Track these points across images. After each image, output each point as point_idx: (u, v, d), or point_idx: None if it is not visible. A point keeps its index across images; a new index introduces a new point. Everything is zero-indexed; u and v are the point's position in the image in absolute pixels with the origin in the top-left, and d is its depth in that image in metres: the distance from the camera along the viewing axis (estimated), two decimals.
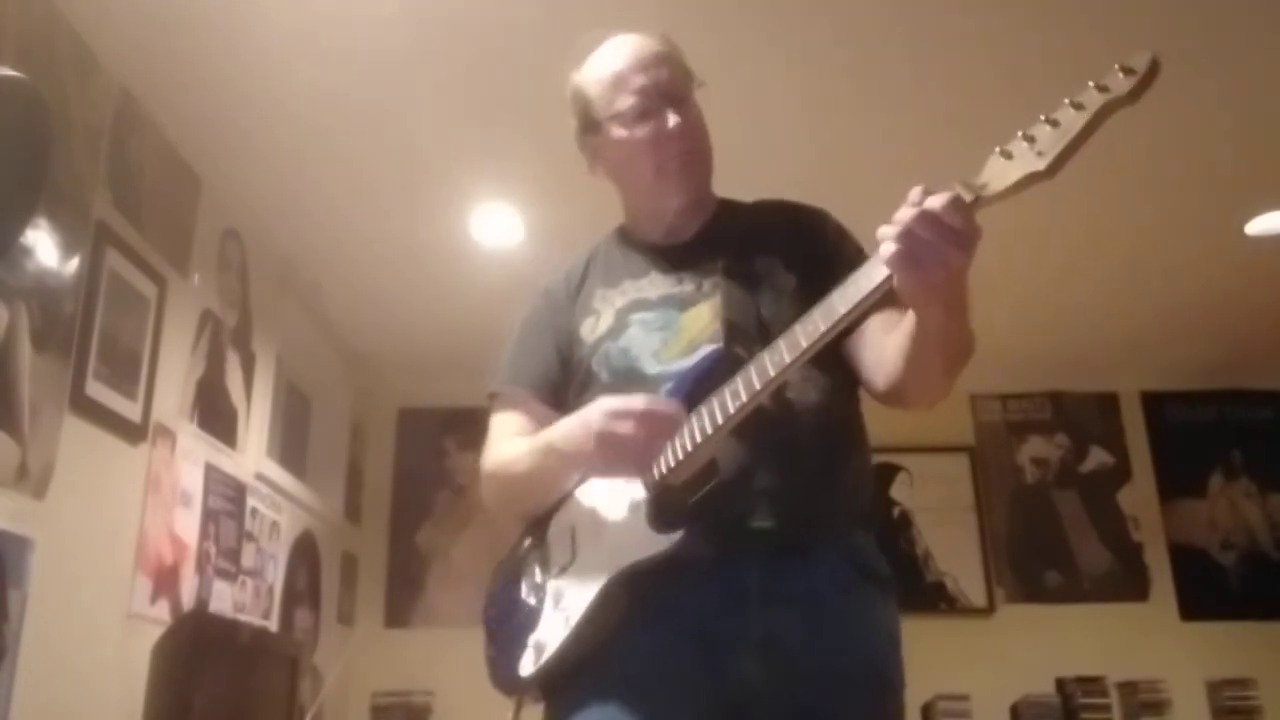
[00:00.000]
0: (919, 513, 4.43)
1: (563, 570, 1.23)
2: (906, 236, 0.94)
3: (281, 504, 3.39)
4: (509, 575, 1.33)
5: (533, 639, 1.22)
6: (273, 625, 3.24)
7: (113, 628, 2.29)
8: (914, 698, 4.34)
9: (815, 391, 1.21)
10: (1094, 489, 4.48)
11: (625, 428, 1.12)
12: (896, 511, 4.44)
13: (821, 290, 1.05)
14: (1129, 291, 3.73)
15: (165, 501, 2.54)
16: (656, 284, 1.33)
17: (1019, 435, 4.57)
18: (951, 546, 4.36)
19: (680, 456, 1.12)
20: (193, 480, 2.72)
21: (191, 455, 2.71)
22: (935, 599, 4.31)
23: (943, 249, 0.94)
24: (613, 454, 1.13)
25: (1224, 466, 4.50)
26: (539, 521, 1.32)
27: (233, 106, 2.57)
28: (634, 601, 1.15)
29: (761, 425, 1.14)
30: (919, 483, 4.46)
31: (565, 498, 1.28)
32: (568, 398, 1.33)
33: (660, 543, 1.11)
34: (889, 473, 4.49)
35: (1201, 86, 2.55)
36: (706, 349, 1.20)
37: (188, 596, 2.64)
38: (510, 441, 1.35)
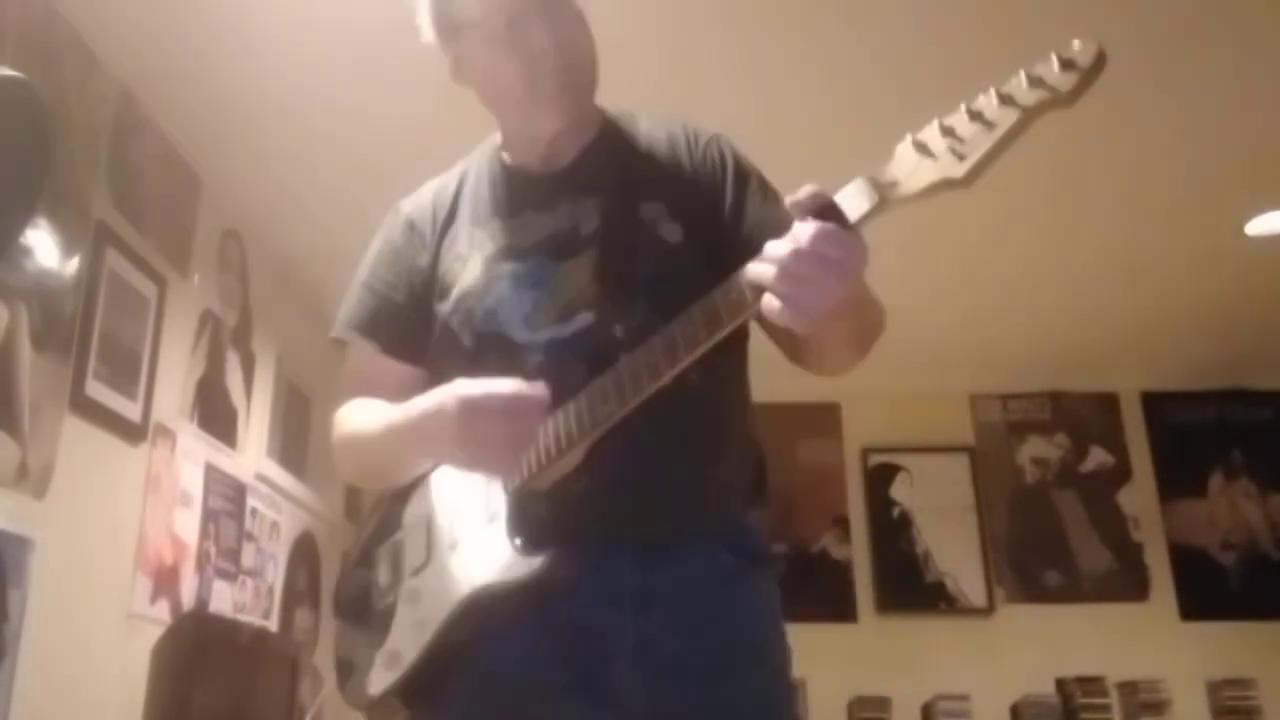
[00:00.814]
0: (919, 513, 4.43)
1: (417, 572, 1.12)
2: (783, 280, 0.87)
3: (281, 504, 3.39)
4: (362, 563, 1.21)
5: (383, 651, 1.11)
6: (273, 625, 3.24)
7: (113, 628, 2.29)
8: (914, 698, 4.35)
9: (696, 373, 1.04)
10: (1094, 489, 4.48)
11: (488, 424, 0.99)
12: (896, 511, 4.44)
13: (708, 244, 0.97)
14: (1129, 292, 3.72)
15: (165, 501, 2.54)
16: (529, 226, 1.17)
17: (1019, 435, 4.57)
18: (951, 546, 4.36)
19: (544, 462, 1.04)
20: (193, 480, 2.72)
21: (191, 455, 2.71)
22: (935, 599, 4.31)
23: (824, 284, 0.86)
24: (477, 452, 1.01)
25: (1224, 466, 4.50)
26: (394, 500, 1.20)
27: (233, 106, 2.57)
28: (497, 616, 1.04)
29: (633, 417, 1.02)
30: (919, 483, 4.46)
31: (421, 482, 1.17)
32: (425, 348, 1.20)
33: (521, 566, 1.01)
34: (889, 473, 4.49)
35: (1201, 86, 2.55)
36: (580, 318, 1.09)
37: (188, 596, 2.64)
38: (363, 408, 1.20)
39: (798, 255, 0.86)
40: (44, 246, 2.07)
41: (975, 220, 3.00)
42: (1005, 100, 0.78)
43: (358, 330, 1.24)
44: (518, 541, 1.03)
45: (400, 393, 1.15)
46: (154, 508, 2.47)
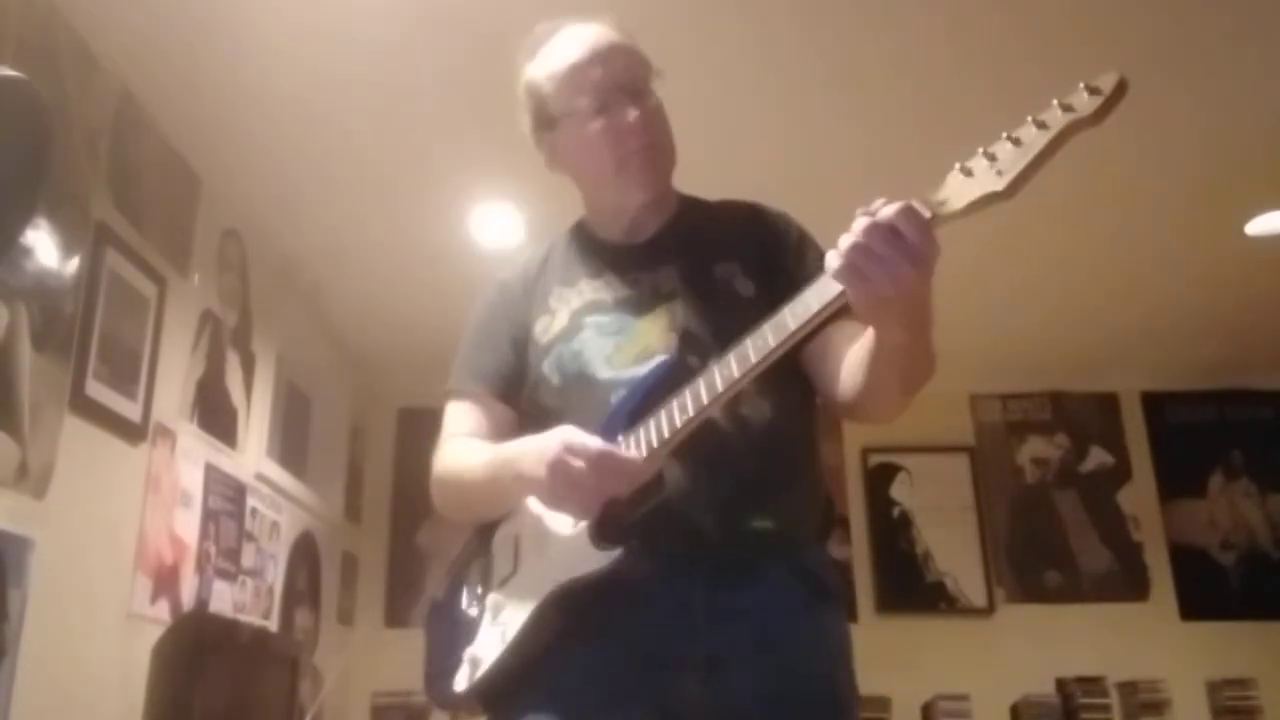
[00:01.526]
0: (919, 513, 4.43)
1: (504, 582, 1.21)
2: (855, 249, 0.92)
3: (281, 504, 3.39)
4: (454, 583, 1.31)
5: (469, 653, 1.21)
6: (273, 625, 3.24)
7: (113, 628, 2.29)
8: (914, 698, 4.34)
9: (769, 405, 1.18)
10: (1094, 489, 4.48)
11: (578, 464, 1.07)
12: (896, 511, 4.44)
13: (779, 300, 1.03)
14: (1129, 292, 3.73)
15: (165, 501, 2.54)
16: (613, 286, 1.30)
17: (1019, 435, 4.58)
18: (951, 546, 4.36)
19: None
20: (193, 480, 2.72)
21: (191, 455, 2.71)
22: (935, 599, 4.31)
23: (893, 262, 0.91)
24: (560, 489, 1.08)
25: (1224, 466, 4.50)
26: (485, 527, 1.30)
27: (233, 106, 2.57)
28: (572, 618, 1.12)
29: (711, 440, 1.12)
30: (919, 483, 4.46)
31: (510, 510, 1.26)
32: (521, 394, 1.32)
33: (599, 560, 1.08)
34: (889, 473, 4.49)
35: (1201, 87, 2.56)
36: (659, 358, 1.17)
37: (188, 596, 2.64)
38: (464, 444, 1.31)
39: (872, 226, 0.91)
40: (44, 246, 2.07)
41: (974, 221, 3.00)
42: (1040, 125, 0.88)
43: (468, 377, 1.37)
44: (596, 540, 1.10)
45: (497, 432, 1.29)
46: (154, 508, 2.47)
